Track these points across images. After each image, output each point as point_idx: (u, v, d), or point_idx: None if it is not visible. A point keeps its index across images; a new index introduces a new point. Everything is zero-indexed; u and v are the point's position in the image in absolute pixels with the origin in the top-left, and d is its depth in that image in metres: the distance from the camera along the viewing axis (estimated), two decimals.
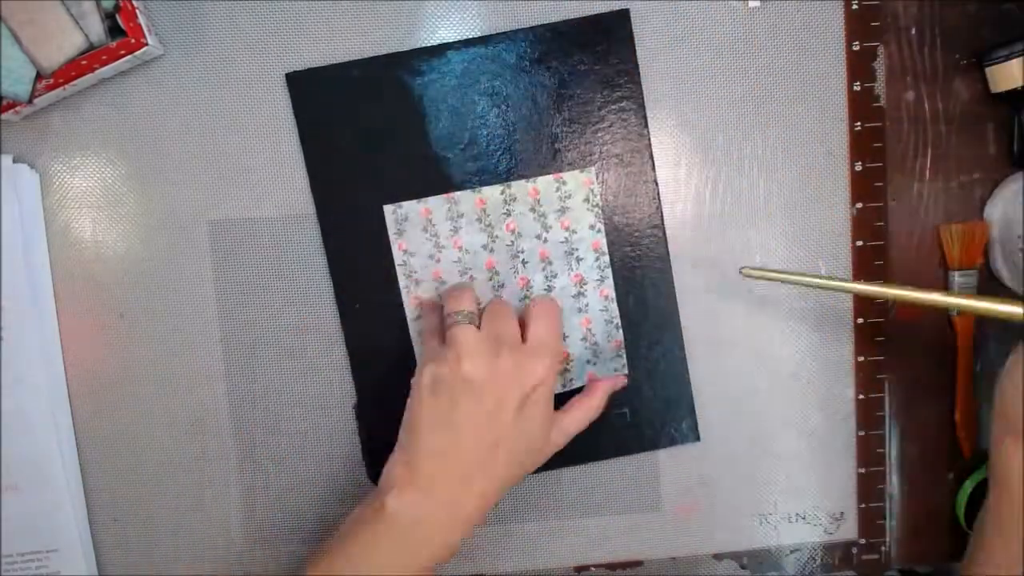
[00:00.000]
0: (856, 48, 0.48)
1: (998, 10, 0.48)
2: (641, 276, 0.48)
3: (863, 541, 0.51)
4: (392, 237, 0.47)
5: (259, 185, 0.47)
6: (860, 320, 0.50)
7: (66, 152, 0.47)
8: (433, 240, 0.47)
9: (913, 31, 0.48)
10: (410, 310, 0.47)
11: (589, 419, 0.45)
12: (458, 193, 0.47)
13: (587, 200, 0.47)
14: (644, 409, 0.49)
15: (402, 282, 0.47)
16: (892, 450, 0.51)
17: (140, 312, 0.48)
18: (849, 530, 0.51)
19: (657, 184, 0.48)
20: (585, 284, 0.48)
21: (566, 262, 0.48)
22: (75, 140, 0.47)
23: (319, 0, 0.47)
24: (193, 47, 0.47)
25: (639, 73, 0.47)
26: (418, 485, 0.39)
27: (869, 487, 0.50)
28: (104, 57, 0.43)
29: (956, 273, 0.49)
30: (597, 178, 0.47)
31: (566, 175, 0.47)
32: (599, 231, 0.48)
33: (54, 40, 0.41)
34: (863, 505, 0.51)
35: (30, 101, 0.43)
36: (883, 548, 0.51)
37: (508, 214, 0.47)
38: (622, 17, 0.47)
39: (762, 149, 0.49)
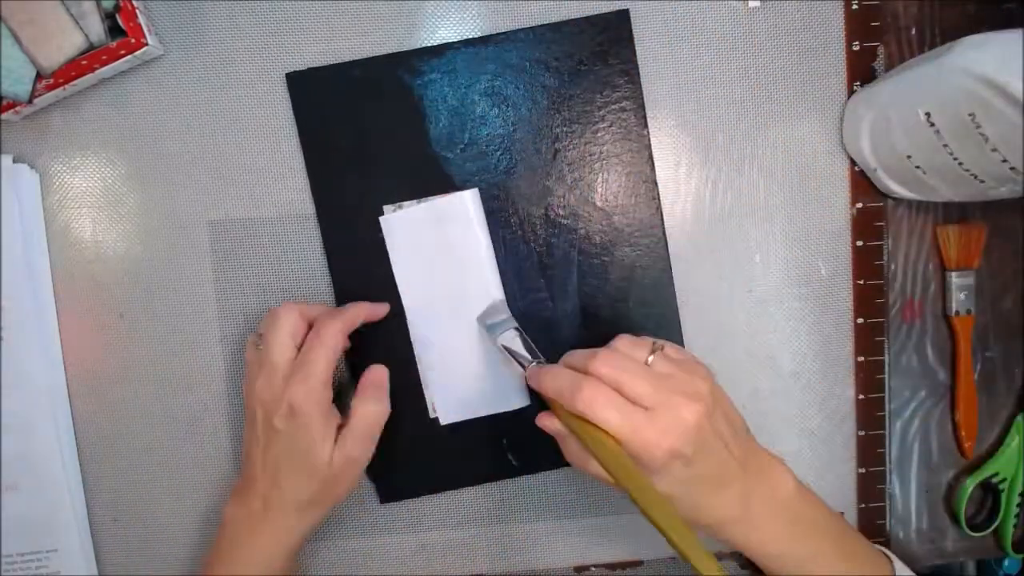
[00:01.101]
0: (856, 48, 0.48)
1: (998, 10, 0.48)
2: (641, 276, 0.48)
3: None
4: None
5: (259, 185, 0.47)
6: (860, 320, 0.50)
7: (66, 152, 0.47)
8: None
9: (913, 31, 0.48)
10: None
11: (371, 429, 0.43)
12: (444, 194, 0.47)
13: None
14: None
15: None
16: (892, 450, 0.51)
17: (140, 312, 0.48)
18: None
19: (656, 184, 0.48)
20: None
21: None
22: (75, 140, 0.47)
23: (319, 0, 0.47)
24: (193, 47, 0.47)
25: (639, 73, 0.47)
26: (239, 494, 0.44)
27: (869, 487, 0.50)
28: (104, 57, 0.43)
29: (953, 274, 0.49)
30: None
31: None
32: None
33: (54, 40, 0.41)
34: (863, 505, 0.51)
35: (30, 101, 0.43)
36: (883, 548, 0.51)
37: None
38: (622, 17, 0.47)
39: (762, 149, 0.49)
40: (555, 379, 0.38)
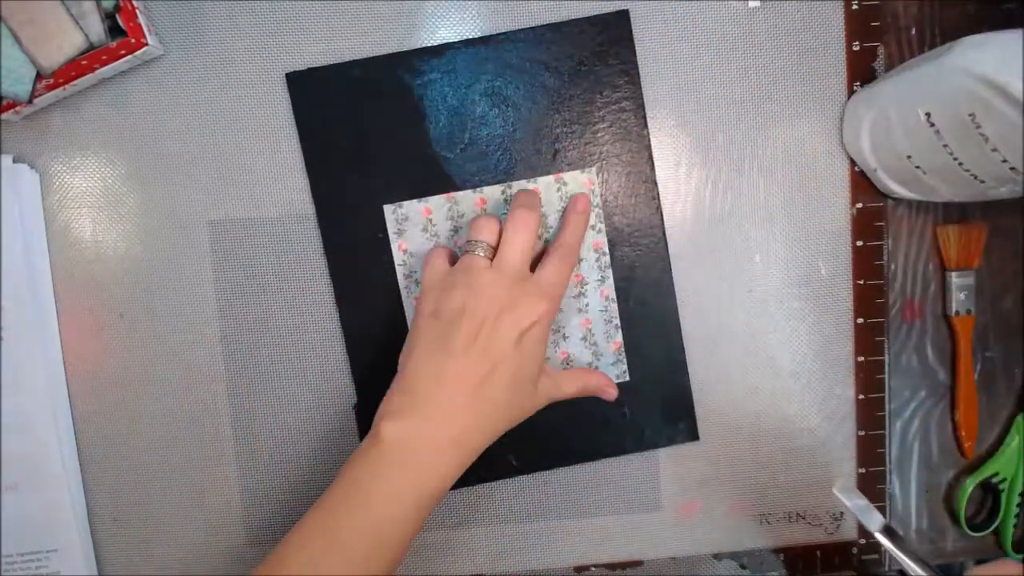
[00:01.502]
0: (856, 48, 0.48)
1: (998, 10, 0.48)
2: (641, 276, 0.48)
3: (863, 541, 0.51)
4: (392, 237, 0.47)
5: (259, 185, 0.47)
6: (860, 320, 0.50)
7: (66, 152, 0.47)
8: (434, 240, 0.47)
9: (913, 31, 0.48)
10: (410, 311, 0.47)
11: (581, 389, 0.45)
12: (459, 193, 0.47)
13: (590, 202, 0.47)
14: (643, 409, 0.49)
15: (402, 283, 0.47)
16: (892, 450, 0.51)
17: (140, 312, 0.48)
18: (849, 530, 0.51)
19: (656, 184, 0.48)
20: (586, 284, 0.48)
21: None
22: (75, 140, 0.47)
23: (319, 0, 0.47)
24: (193, 47, 0.47)
25: (639, 73, 0.47)
26: (412, 409, 0.39)
27: (869, 487, 0.50)
28: (104, 57, 0.43)
29: (953, 274, 0.49)
30: (598, 177, 0.47)
31: (566, 175, 0.47)
32: (599, 231, 0.48)
33: (54, 40, 0.41)
34: None
35: (30, 101, 0.43)
36: (883, 548, 0.51)
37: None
38: (622, 18, 0.47)
39: (762, 149, 0.49)
40: None
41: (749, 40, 0.48)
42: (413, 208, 0.47)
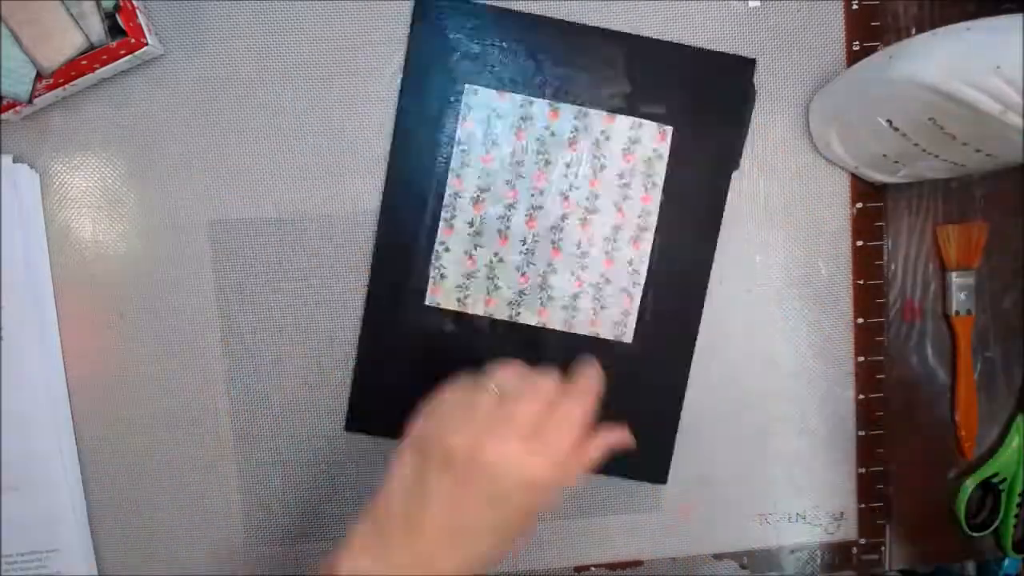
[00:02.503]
0: (856, 48, 0.48)
1: (997, 10, 0.48)
2: (679, 256, 0.48)
3: (863, 541, 0.51)
4: (462, 115, 0.47)
5: (259, 185, 0.47)
6: (860, 320, 0.50)
7: (66, 152, 0.47)
8: (497, 130, 0.47)
9: (913, 31, 0.48)
10: (441, 233, 0.47)
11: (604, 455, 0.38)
12: (536, 99, 0.47)
13: (654, 153, 0.47)
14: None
15: (454, 162, 0.47)
16: (892, 450, 0.51)
17: (140, 312, 0.48)
18: (849, 530, 0.51)
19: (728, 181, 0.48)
20: (620, 230, 0.48)
21: (611, 202, 0.48)
22: (75, 140, 0.47)
23: (319, 0, 0.47)
24: (193, 47, 0.47)
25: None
26: (375, 549, 0.34)
27: (869, 487, 0.50)
28: (104, 57, 0.43)
29: (954, 274, 0.49)
30: (673, 139, 0.48)
31: (645, 123, 0.47)
32: (652, 188, 0.48)
33: (54, 40, 0.41)
34: (863, 505, 0.51)
35: (30, 101, 0.43)
36: (883, 548, 0.51)
37: (575, 138, 0.47)
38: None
39: (762, 149, 0.49)
40: None
41: (749, 40, 0.48)
42: (490, 95, 0.47)
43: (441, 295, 0.48)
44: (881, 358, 0.50)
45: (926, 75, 0.36)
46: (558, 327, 0.48)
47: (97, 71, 0.43)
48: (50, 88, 0.43)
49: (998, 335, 0.51)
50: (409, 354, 0.48)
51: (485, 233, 0.48)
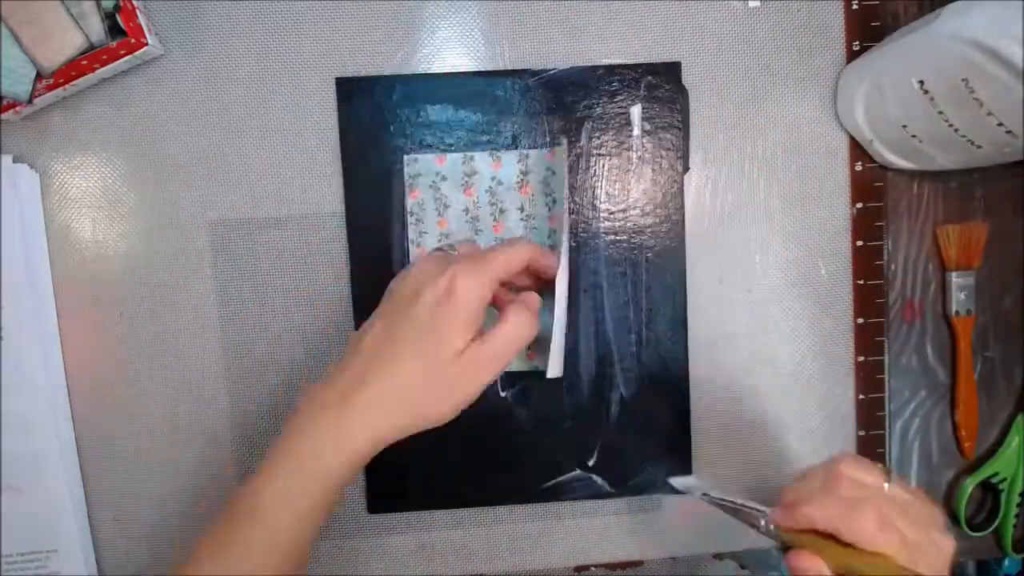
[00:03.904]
0: (856, 48, 0.48)
1: None
2: (655, 269, 0.48)
3: None
4: (408, 185, 0.47)
5: (259, 185, 0.47)
6: (860, 320, 0.50)
7: (66, 152, 0.47)
8: (446, 193, 0.47)
9: None
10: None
11: (511, 344, 0.38)
12: (477, 152, 0.47)
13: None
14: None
15: (412, 233, 0.47)
16: (892, 450, 0.51)
17: (140, 312, 0.48)
18: None
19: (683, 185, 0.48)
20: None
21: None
22: (75, 140, 0.47)
23: (319, 0, 0.47)
24: (193, 47, 0.47)
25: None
26: (323, 383, 0.37)
27: None
28: (104, 57, 0.43)
29: (954, 274, 0.49)
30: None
31: (557, 149, 0.47)
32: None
33: (54, 40, 0.41)
34: None
35: (30, 101, 0.43)
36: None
37: (523, 180, 0.47)
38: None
39: (762, 149, 0.49)
40: (823, 508, 0.35)
41: (749, 40, 0.48)
42: (428, 160, 0.47)
43: None
44: (881, 358, 0.50)
45: (970, 29, 0.36)
46: (555, 374, 0.47)
47: (97, 71, 0.43)
48: (50, 88, 0.43)
49: (998, 335, 0.51)
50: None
51: None
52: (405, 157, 0.47)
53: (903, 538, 0.34)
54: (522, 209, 0.48)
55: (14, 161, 0.46)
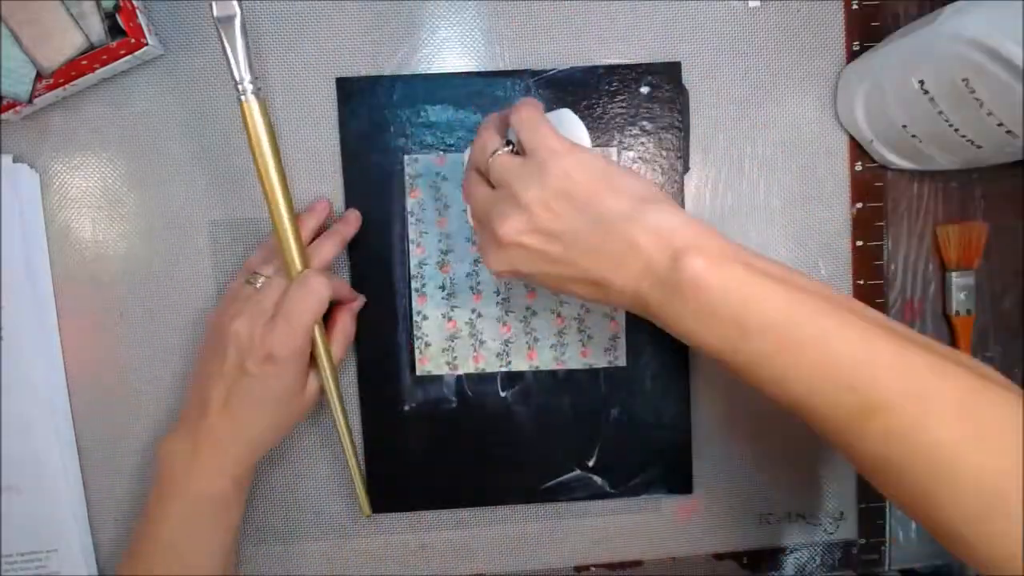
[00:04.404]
0: (856, 48, 0.48)
1: None
2: None
3: (863, 541, 0.51)
4: (408, 185, 0.47)
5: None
6: None
7: (66, 152, 0.47)
8: (445, 193, 0.47)
9: None
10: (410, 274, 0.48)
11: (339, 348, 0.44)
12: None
13: None
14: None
15: (412, 233, 0.47)
16: None
17: (140, 312, 0.48)
18: (849, 530, 0.51)
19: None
20: None
21: None
22: (75, 140, 0.47)
23: (319, 1, 0.47)
24: (193, 47, 0.47)
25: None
26: (180, 428, 0.43)
27: (869, 487, 0.50)
28: (104, 57, 0.43)
29: (954, 274, 0.49)
30: (618, 157, 0.48)
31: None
32: None
33: (54, 40, 0.41)
34: (863, 505, 0.51)
35: (30, 101, 0.43)
36: (883, 548, 0.51)
37: None
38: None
39: (762, 149, 0.49)
40: (476, 196, 0.38)
41: (749, 40, 0.48)
42: (429, 160, 0.47)
43: (430, 363, 0.48)
44: None
45: (971, 29, 0.36)
46: (550, 367, 0.48)
47: (97, 71, 0.43)
48: (50, 88, 0.43)
49: (998, 335, 0.51)
50: (414, 429, 0.48)
51: (458, 294, 0.48)
52: (406, 157, 0.47)
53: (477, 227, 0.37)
54: None
55: (14, 161, 0.46)
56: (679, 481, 0.49)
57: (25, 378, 0.46)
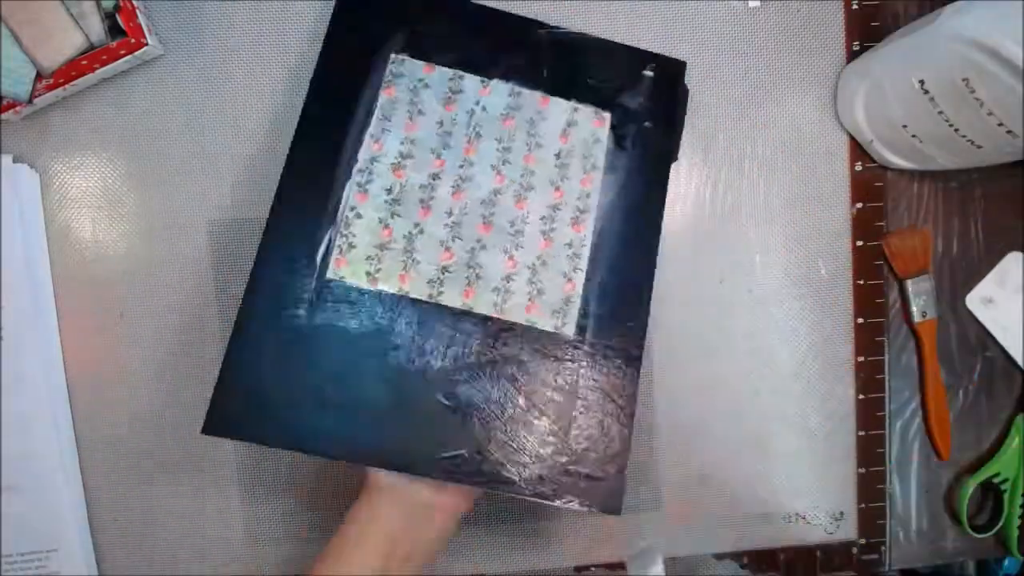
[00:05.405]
0: (856, 48, 0.48)
1: None
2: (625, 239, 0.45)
3: (863, 541, 0.51)
4: (385, 81, 0.44)
5: (259, 185, 0.47)
6: (860, 320, 0.50)
7: (66, 152, 0.47)
8: (424, 100, 0.45)
9: None
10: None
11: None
12: (467, 75, 0.45)
13: (591, 136, 0.45)
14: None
15: (374, 128, 0.44)
16: (892, 450, 0.51)
17: (140, 312, 0.48)
18: (849, 530, 0.51)
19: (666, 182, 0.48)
20: (558, 209, 0.44)
21: (548, 179, 0.44)
22: (75, 140, 0.47)
23: (318, 0, 0.47)
24: (193, 47, 0.47)
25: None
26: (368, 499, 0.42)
27: (869, 487, 0.50)
28: (104, 57, 0.43)
29: (909, 282, 0.49)
30: (611, 126, 0.46)
31: (581, 107, 0.46)
32: (593, 168, 0.45)
33: (54, 40, 0.41)
34: (863, 505, 0.51)
35: (30, 101, 0.43)
36: (883, 548, 0.51)
37: (508, 115, 0.45)
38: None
39: (762, 149, 0.49)
40: None
41: (749, 40, 0.48)
42: (416, 65, 0.45)
43: (347, 267, 0.42)
44: (881, 358, 0.50)
45: (971, 29, 0.37)
46: (487, 311, 0.42)
47: (97, 71, 0.43)
48: (50, 88, 0.43)
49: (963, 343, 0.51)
50: (296, 346, 0.41)
51: (404, 202, 0.43)
52: (392, 54, 0.44)
53: None
54: (500, 140, 0.45)
55: (14, 161, 0.46)
56: (609, 501, 0.42)
57: (25, 378, 0.46)
